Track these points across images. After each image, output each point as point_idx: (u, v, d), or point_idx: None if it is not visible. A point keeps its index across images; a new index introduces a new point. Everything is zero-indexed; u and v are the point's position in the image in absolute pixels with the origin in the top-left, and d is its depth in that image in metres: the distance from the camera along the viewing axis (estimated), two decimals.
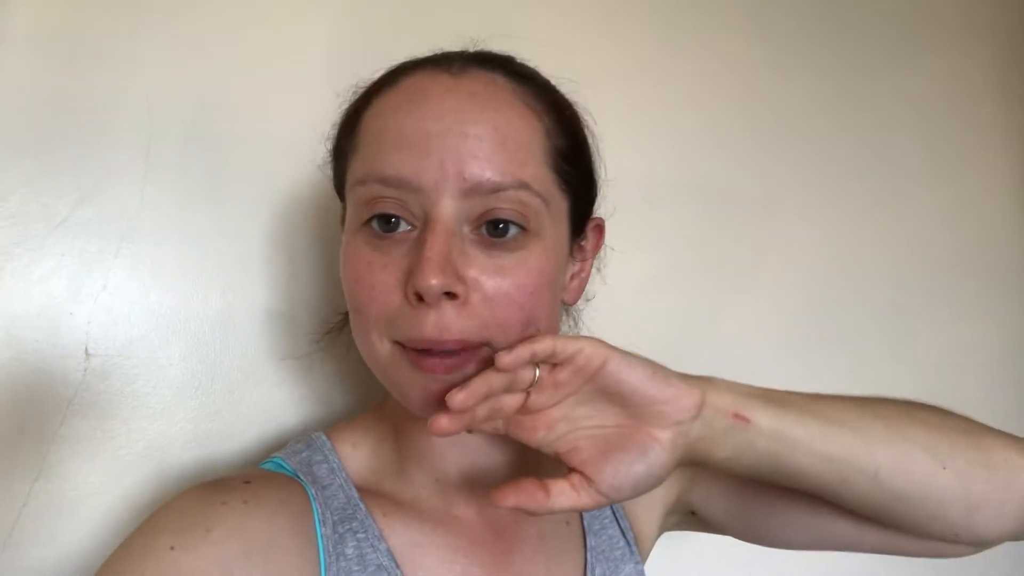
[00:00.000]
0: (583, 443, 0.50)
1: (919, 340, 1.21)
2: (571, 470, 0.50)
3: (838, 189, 1.16)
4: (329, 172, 0.63)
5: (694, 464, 0.52)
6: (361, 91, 0.60)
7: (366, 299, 0.53)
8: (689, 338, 1.03)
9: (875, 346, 1.18)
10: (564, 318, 0.67)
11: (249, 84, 0.77)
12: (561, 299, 0.60)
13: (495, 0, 0.91)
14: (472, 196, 0.51)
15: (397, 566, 0.55)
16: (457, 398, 0.48)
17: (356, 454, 0.62)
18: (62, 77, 0.69)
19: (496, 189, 0.51)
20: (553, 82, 0.60)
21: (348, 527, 0.56)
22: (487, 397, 0.50)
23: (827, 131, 1.16)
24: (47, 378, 0.67)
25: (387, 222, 0.53)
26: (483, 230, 0.52)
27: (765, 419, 0.51)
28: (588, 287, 0.65)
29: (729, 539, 0.71)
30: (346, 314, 0.59)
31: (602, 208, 0.65)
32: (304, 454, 0.61)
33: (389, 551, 0.56)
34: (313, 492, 0.57)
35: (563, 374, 0.50)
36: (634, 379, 0.49)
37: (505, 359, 0.49)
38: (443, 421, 0.49)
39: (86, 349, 0.69)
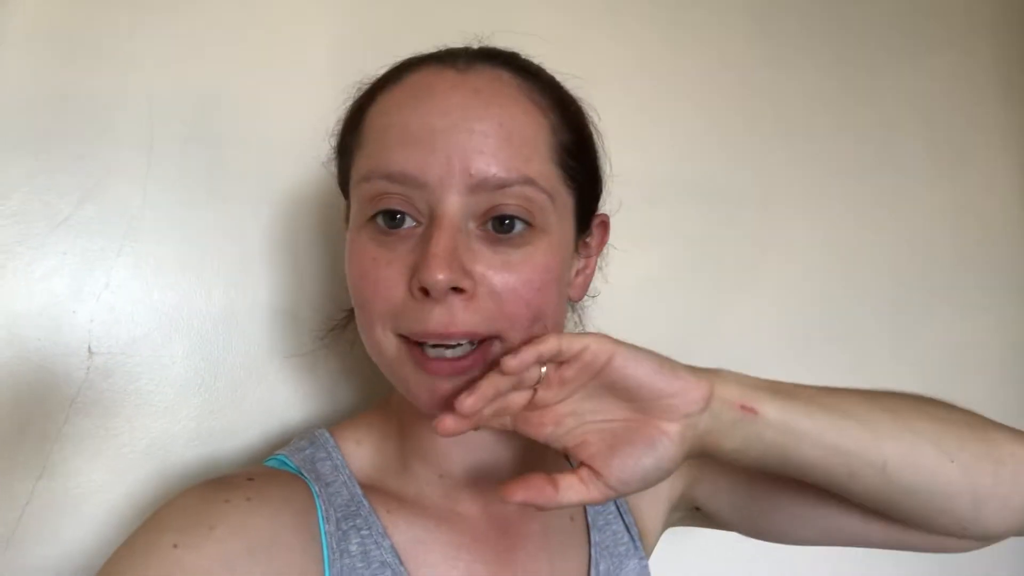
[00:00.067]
0: (591, 437, 0.51)
1: (919, 339, 1.22)
2: (579, 464, 0.50)
3: (839, 188, 1.16)
4: (333, 169, 0.63)
5: (702, 456, 0.53)
6: (365, 87, 0.60)
7: (371, 294, 0.53)
8: (689, 338, 1.03)
9: (876, 345, 1.18)
10: (569, 314, 0.67)
11: (250, 83, 0.77)
12: (567, 295, 0.60)
13: None
14: (478, 192, 0.51)
15: (401, 563, 0.55)
16: (466, 403, 0.48)
17: (360, 451, 0.62)
18: (63, 76, 0.69)
19: (502, 185, 0.51)
20: (558, 78, 0.60)
21: (352, 524, 0.56)
22: (495, 399, 0.50)
23: (828, 130, 1.16)
24: (50, 376, 0.67)
25: (392, 218, 0.53)
26: (489, 226, 0.52)
27: (773, 411, 0.51)
28: (592, 284, 0.65)
29: (733, 535, 0.71)
30: (350, 311, 0.59)
31: (607, 205, 0.65)
32: (307, 451, 0.61)
33: (393, 548, 0.56)
34: (317, 489, 0.57)
35: (570, 371, 0.50)
36: (641, 373, 0.49)
37: (511, 363, 0.49)
38: (449, 421, 0.49)
39: (89, 347, 0.69)
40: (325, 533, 0.54)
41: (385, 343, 0.54)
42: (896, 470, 0.52)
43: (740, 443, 0.51)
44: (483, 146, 0.51)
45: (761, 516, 0.67)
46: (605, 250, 0.66)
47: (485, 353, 0.53)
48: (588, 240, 0.62)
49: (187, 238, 0.73)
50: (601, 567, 0.63)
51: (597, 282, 0.66)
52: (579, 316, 0.70)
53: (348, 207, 0.59)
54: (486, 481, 0.61)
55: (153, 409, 0.71)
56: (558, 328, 0.57)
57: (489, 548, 0.59)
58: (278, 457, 0.61)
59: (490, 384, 0.49)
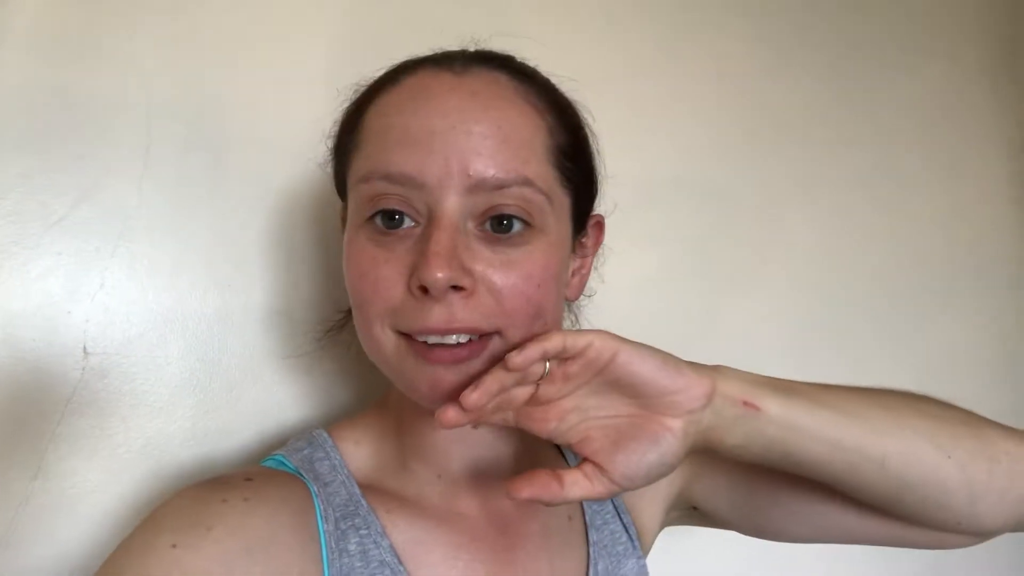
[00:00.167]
0: (595, 433, 0.51)
1: (915, 342, 1.22)
2: (583, 460, 0.51)
3: (835, 193, 1.17)
4: (329, 170, 0.63)
5: (704, 452, 0.53)
6: (362, 90, 0.60)
7: (370, 293, 0.53)
8: (686, 340, 1.02)
9: (872, 348, 1.18)
10: (565, 314, 0.68)
11: (248, 84, 0.77)
12: (564, 295, 0.60)
13: (494, 1, 0.91)
14: (476, 192, 0.52)
15: (400, 562, 0.55)
16: (471, 398, 0.49)
17: (358, 451, 0.62)
18: (62, 77, 0.69)
19: (500, 186, 0.52)
20: (553, 81, 0.61)
21: (351, 523, 0.56)
22: (499, 394, 0.50)
23: (824, 135, 1.16)
24: (45, 376, 0.67)
25: (391, 218, 0.53)
26: (487, 226, 0.53)
27: (774, 407, 0.51)
28: (587, 284, 0.65)
29: (731, 534, 0.71)
30: (348, 312, 0.59)
31: (602, 206, 0.65)
32: (305, 451, 0.61)
33: (392, 547, 0.56)
34: (315, 489, 0.57)
35: (574, 367, 0.50)
36: (645, 370, 0.50)
37: (516, 359, 0.49)
38: (451, 413, 0.49)
39: (84, 347, 0.69)
40: (324, 533, 0.54)
41: (384, 340, 0.54)
42: (895, 465, 0.53)
43: (742, 439, 0.52)
44: (481, 147, 0.52)
45: (760, 513, 0.67)
46: (600, 250, 0.66)
47: (485, 344, 0.53)
48: (584, 240, 0.63)
49: (183, 239, 0.73)
50: (599, 566, 0.64)
51: (592, 282, 0.67)
52: (575, 316, 0.71)
53: (345, 208, 0.59)
54: (485, 480, 0.61)
55: (148, 409, 0.71)
56: (556, 327, 0.57)
57: (488, 547, 0.59)
58: (276, 457, 0.61)
59: (494, 379, 0.50)
